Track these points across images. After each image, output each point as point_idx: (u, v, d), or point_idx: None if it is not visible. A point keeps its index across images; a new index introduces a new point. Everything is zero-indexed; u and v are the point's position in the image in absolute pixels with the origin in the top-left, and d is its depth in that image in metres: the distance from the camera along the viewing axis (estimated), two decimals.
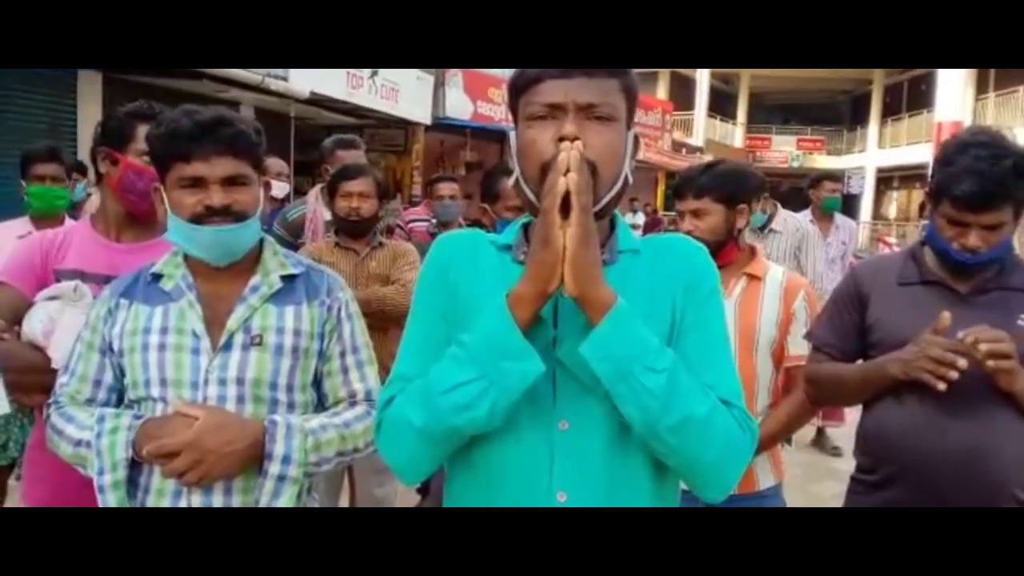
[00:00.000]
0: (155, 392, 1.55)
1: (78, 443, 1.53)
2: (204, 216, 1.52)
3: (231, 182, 1.53)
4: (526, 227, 1.29)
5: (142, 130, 1.85)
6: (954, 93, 21.71)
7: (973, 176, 1.71)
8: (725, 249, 2.21)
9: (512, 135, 1.25)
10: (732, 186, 2.25)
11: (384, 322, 3.01)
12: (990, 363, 1.65)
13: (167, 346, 1.55)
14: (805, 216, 5.10)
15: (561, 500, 1.16)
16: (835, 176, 5.69)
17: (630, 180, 1.22)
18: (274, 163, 5.10)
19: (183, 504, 1.50)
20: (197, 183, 1.52)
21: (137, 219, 1.94)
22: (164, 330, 1.56)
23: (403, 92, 10.65)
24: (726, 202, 2.22)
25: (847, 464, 2.68)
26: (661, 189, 23.49)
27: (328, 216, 3.53)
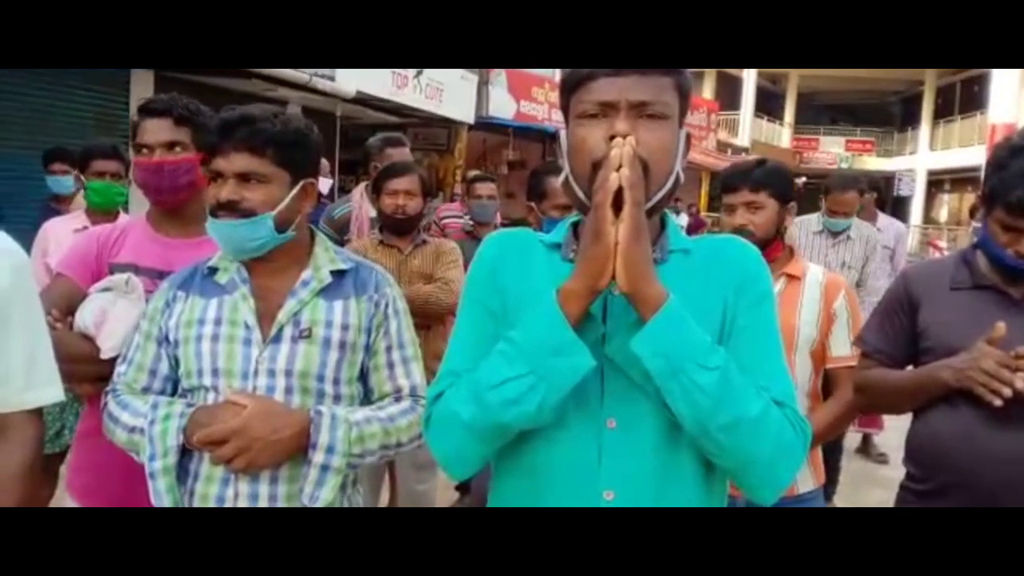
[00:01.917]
0: (207, 381, 1.58)
1: (132, 429, 1.57)
2: (216, 210, 1.57)
3: (245, 179, 1.57)
4: (575, 225, 1.28)
5: (148, 123, 1.89)
6: (1008, 94, 21.14)
7: None
8: (771, 247, 2.19)
9: (562, 133, 1.24)
10: (786, 184, 2.25)
11: (426, 319, 3.03)
12: None
13: (220, 337, 1.58)
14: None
15: (608, 499, 1.16)
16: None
17: (681, 178, 1.20)
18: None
19: (230, 491, 1.54)
20: (218, 177, 1.58)
21: (168, 213, 1.94)
22: (218, 321, 1.60)
23: (447, 91, 10.71)
24: (780, 199, 2.22)
25: (894, 471, 2.63)
26: (704, 190, 23.25)
27: (373, 213, 3.56)
